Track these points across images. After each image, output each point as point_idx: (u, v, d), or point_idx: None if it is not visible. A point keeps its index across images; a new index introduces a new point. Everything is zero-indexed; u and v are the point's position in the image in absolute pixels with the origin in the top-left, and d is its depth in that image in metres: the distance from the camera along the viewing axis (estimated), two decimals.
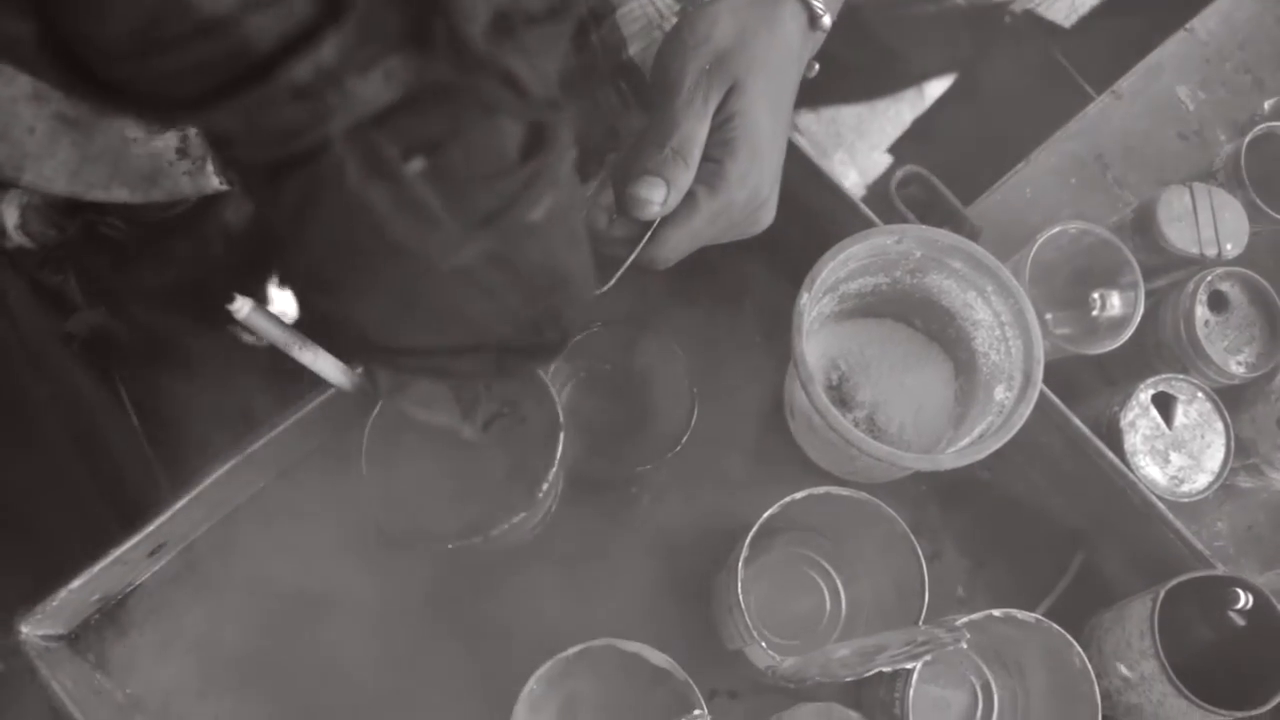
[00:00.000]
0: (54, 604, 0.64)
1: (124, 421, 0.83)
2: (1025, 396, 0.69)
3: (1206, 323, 0.83)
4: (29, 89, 0.55)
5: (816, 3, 0.63)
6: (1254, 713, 0.67)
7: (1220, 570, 0.71)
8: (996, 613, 0.66)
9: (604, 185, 0.60)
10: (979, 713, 0.74)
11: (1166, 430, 0.81)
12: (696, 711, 0.62)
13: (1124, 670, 0.70)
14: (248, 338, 0.93)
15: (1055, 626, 0.67)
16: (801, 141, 0.72)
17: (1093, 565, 0.78)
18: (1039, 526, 0.79)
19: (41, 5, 0.30)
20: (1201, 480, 0.81)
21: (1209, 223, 0.84)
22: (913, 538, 0.67)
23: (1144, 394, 0.81)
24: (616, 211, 0.59)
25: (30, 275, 0.79)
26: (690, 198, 0.59)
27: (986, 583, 0.78)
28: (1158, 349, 0.85)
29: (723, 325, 0.80)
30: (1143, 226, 0.85)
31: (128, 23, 0.30)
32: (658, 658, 0.63)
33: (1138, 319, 0.81)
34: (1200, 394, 0.82)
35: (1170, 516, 0.72)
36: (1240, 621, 0.70)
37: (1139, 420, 0.80)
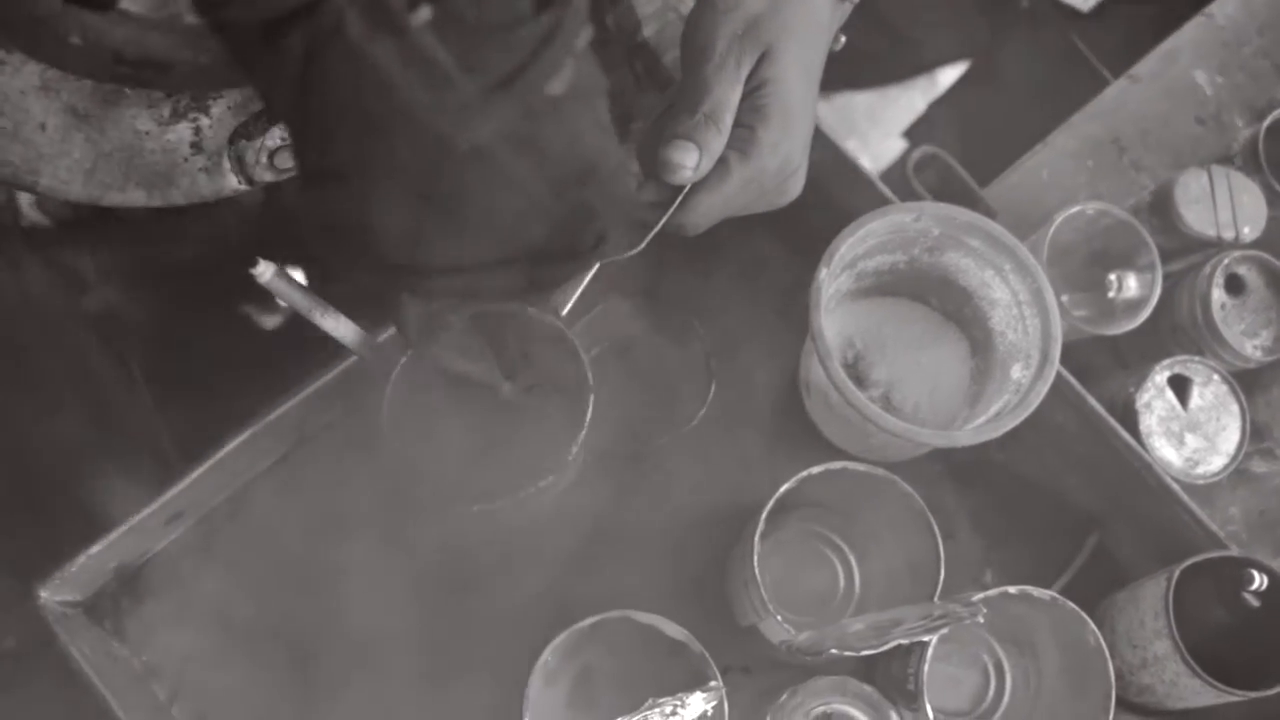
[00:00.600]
0: (73, 570, 0.64)
1: (138, 399, 0.83)
2: (1043, 375, 0.69)
3: (1223, 306, 0.83)
4: (37, 80, 0.54)
5: None
6: (1267, 693, 0.67)
7: (1235, 551, 0.71)
8: (1012, 590, 0.66)
9: (629, 152, 0.60)
10: (991, 691, 0.74)
11: (1182, 412, 0.81)
12: (712, 683, 0.62)
13: (1137, 650, 0.70)
14: (260, 318, 0.94)
15: (1070, 604, 0.67)
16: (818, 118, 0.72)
17: (1106, 546, 0.78)
18: (1053, 507, 0.79)
19: None
20: (1216, 462, 0.81)
21: (1227, 206, 0.83)
22: (929, 514, 0.67)
23: (1160, 376, 0.81)
24: (646, 176, 0.59)
25: (46, 253, 0.79)
26: (722, 163, 0.58)
27: (1000, 563, 0.78)
28: (1174, 331, 0.85)
29: (738, 303, 0.80)
30: (1160, 209, 0.85)
31: None
32: (674, 630, 0.63)
33: (1154, 300, 0.81)
34: (1216, 376, 0.82)
35: (1185, 498, 0.73)
36: (1254, 602, 0.70)
37: (1155, 402, 0.80)
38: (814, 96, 0.62)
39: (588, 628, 0.63)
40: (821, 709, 0.66)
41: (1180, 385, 0.81)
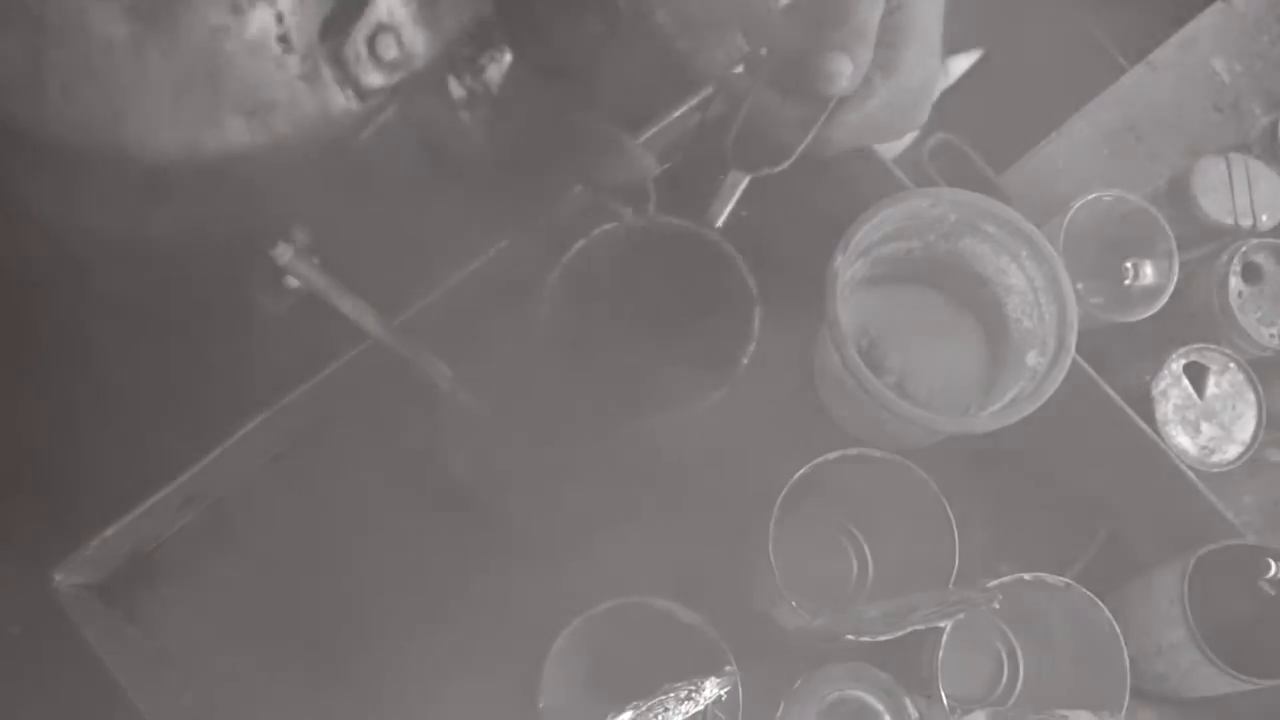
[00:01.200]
0: (87, 553, 0.64)
1: (147, 383, 0.83)
2: (1059, 361, 0.68)
3: (1240, 294, 0.83)
4: None
5: None
6: None
7: (1250, 540, 0.71)
8: (1027, 576, 0.66)
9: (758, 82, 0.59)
10: (1004, 679, 0.74)
11: (1198, 400, 0.80)
12: (727, 669, 0.62)
13: (1151, 638, 0.70)
14: (267, 303, 0.93)
15: (1084, 590, 0.67)
16: None
17: (1120, 534, 0.78)
18: (1067, 494, 0.78)
19: None
20: (1232, 451, 0.81)
21: (1244, 193, 0.83)
22: (944, 500, 0.67)
23: (1176, 364, 0.80)
24: (788, 93, 0.58)
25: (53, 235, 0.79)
26: (867, 81, 0.58)
27: (1013, 551, 0.77)
28: (1190, 319, 0.85)
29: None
30: (1177, 196, 0.84)
31: None
32: (689, 616, 0.63)
33: (1171, 288, 0.81)
34: (1232, 365, 0.82)
35: (1201, 486, 0.72)
36: (1270, 591, 0.70)
37: (1170, 390, 0.80)
38: (942, 24, 0.61)
39: (602, 613, 0.63)
40: (836, 695, 0.66)
41: (1196, 373, 0.81)
